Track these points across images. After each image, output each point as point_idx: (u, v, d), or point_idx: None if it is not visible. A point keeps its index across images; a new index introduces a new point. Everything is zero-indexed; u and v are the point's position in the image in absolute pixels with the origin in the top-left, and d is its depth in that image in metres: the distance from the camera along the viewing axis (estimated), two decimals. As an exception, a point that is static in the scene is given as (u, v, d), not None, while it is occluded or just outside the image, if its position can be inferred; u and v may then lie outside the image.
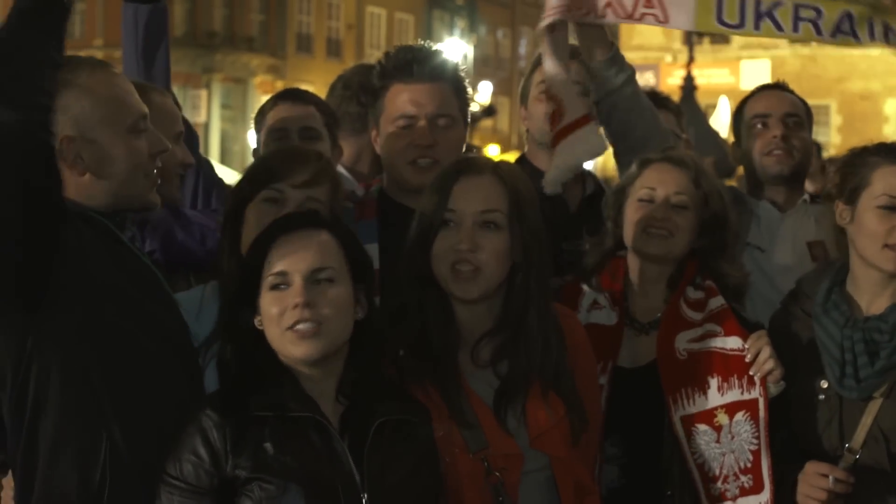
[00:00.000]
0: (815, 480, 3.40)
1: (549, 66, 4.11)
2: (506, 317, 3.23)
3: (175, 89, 4.81)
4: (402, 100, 3.79)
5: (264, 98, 5.91)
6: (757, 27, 4.03)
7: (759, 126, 4.54)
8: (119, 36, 4.66)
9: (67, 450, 2.93)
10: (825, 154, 10.85)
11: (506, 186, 3.21)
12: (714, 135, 6.83)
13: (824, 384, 3.54)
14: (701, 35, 31.98)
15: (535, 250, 3.22)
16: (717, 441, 3.52)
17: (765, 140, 4.51)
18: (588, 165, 4.62)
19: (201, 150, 4.84)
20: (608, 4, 4.04)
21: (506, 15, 48.00)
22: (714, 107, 14.43)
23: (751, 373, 3.52)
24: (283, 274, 2.94)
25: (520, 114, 4.58)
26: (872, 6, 3.95)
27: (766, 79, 4.71)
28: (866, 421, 3.47)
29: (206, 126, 33.57)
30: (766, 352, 3.52)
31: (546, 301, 3.27)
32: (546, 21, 4.08)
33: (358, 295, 3.01)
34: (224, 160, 28.38)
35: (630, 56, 4.71)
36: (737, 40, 35.85)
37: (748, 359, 3.53)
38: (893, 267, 3.49)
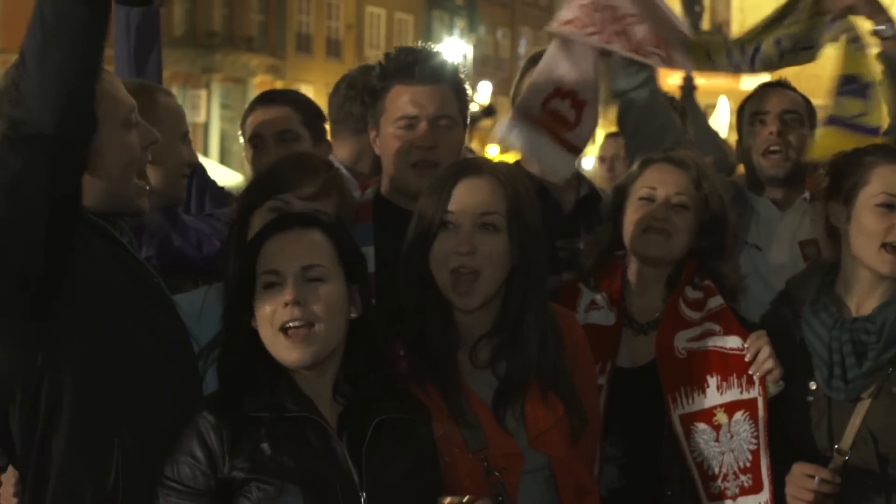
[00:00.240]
0: (801, 481, 3.40)
1: (573, 71, 4.11)
2: (504, 318, 3.23)
3: (174, 89, 4.83)
4: (404, 101, 3.78)
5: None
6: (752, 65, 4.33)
7: (758, 123, 4.55)
8: (111, 37, 4.66)
9: (81, 458, 2.91)
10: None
11: (505, 188, 3.21)
12: (714, 134, 6.86)
13: (813, 385, 3.54)
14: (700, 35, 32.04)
15: (534, 252, 3.22)
16: (717, 440, 3.52)
17: (762, 137, 4.52)
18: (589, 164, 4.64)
19: (200, 151, 4.85)
20: (619, 34, 4.05)
21: (506, 15, 47.99)
22: (714, 107, 14.42)
23: (750, 372, 3.53)
24: (275, 272, 2.94)
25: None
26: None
27: (766, 79, 4.74)
28: (855, 422, 3.47)
29: (206, 126, 33.56)
30: (766, 351, 3.52)
31: (543, 302, 3.27)
32: (556, 32, 4.10)
33: (352, 294, 3.00)
34: (224, 160, 28.35)
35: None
36: (736, 40, 35.79)
37: (748, 358, 3.54)
38: (889, 270, 3.49)
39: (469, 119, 3.92)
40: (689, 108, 5.93)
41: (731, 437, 3.52)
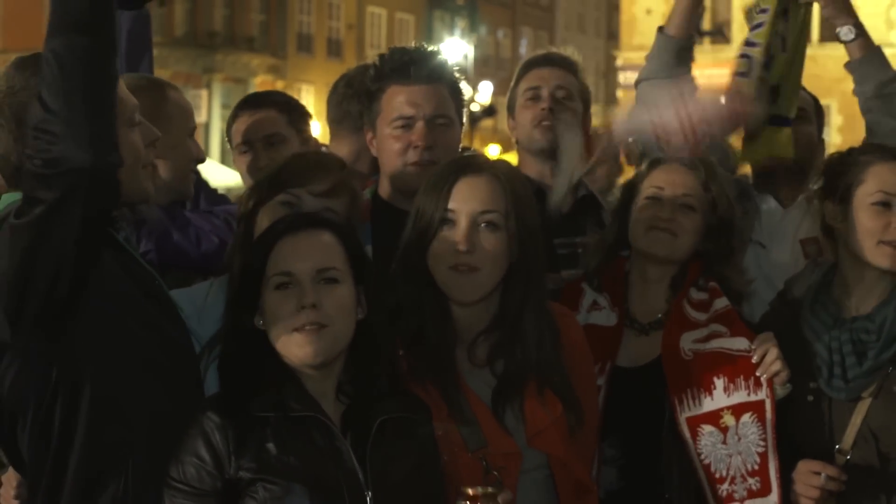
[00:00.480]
0: (807, 479, 3.41)
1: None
2: (502, 315, 3.23)
3: (175, 89, 4.79)
4: (400, 101, 3.78)
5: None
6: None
7: None
8: None
9: (96, 472, 2.90)
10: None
11: (504, 186, 3.21)
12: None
13: (813, 385, 3.54)
14: (701, 35, 32.02)
15: (532, 250, 3.22)
16: (724, 442, 3.51)
17: None
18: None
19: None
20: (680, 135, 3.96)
21: (506, 15, 48.02)
22: (714, 107, 14.44)
23: (757, 374, 3.51)
24: (288, 274, 2.93)
25: (507, 123, 4.58)
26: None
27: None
28: (856, 421, 3.48)
29: (207, 126, 33.61)
30: (773, 353, 3.51)
31: (542, 300, 3.27)
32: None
33: (359, 295, 3.01)
34: (224, 160, 28.36)
35: (630, 56, 4.76)
36: (737, 40, 35.82)
37: (755, 360, 3.52)
38: (889, 263, 3.49)
39: (467, 118, 3.91)
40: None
41: (739, 439, 3.50)
